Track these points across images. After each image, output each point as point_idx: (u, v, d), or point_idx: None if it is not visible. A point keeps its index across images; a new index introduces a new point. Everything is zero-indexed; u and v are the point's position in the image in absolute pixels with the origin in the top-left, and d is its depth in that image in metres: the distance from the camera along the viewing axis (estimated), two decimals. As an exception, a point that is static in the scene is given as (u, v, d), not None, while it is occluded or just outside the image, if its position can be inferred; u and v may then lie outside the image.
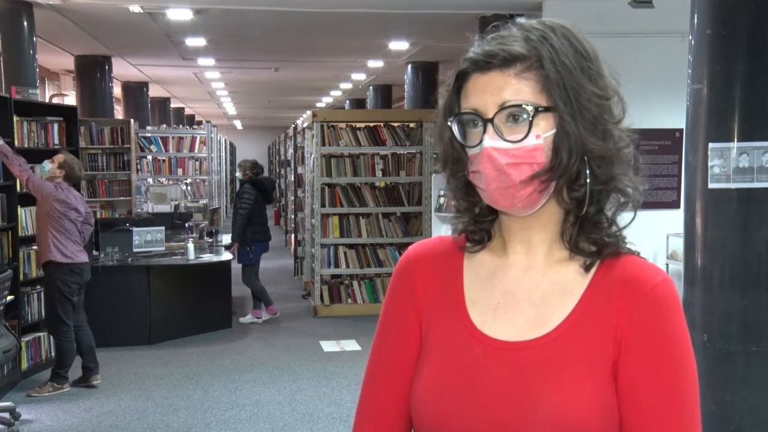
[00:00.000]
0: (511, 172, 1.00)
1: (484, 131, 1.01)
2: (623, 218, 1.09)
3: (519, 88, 1.00)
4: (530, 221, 1.07)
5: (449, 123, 1.06)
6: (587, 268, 1.07)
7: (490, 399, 1.03)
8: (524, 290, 1.08)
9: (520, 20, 1.07)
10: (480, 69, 1.02)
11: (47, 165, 5.70)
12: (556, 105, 1.00)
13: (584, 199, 1.04)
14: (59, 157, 5.77)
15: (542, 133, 1.01)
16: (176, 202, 11.86)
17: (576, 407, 1.00)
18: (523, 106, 1.00)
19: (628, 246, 1.08)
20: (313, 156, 8.72)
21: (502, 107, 1.00)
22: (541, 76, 1.01)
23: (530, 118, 1.00)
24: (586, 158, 1.02)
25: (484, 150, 1.01)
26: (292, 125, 14.01)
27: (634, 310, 1.03)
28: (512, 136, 1.01)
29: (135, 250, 7.46)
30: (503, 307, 1.09)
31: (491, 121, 1.01)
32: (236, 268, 8.42)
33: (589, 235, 1.06)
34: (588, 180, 1.03)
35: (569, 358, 1.03)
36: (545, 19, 1.07)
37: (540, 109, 1.00)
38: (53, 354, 6.44)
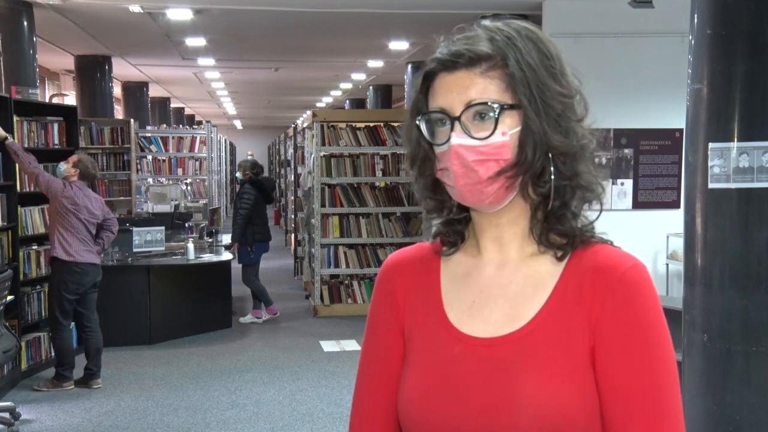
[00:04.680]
0: (478, 168, 1.03)
1: (452, 129, 1.04)
2: (593, 213, 1.11)
3: (485, 87, 1.03)
4: (499, 217, 1.09)
5: (417, 122, 1.08)
6: (559, 259, 1.09)
7: (472, 396, 1.05)
8: (498, 286, 1.10)
9: (485, 22, 1.10)
10: (447, 68, 1.05)
11: (62, 165, 5.82)
12: (521, 103, 1.03)
13: (549, 194, 1.06)
14: (74, 157, 5.91)
15: (508, 130, 1.03)
16: (176, 202, 11.85)
17: (556, 398, 1.01)
18: (489, 103, 1.02)
19: (599, 236, 1.10)
20: (313, 156, 8.72)
21: (468, 105, 1.03)
22: (506, 74, 1.03)
23: (496, 116, 1.03)
24: (550, 155, 1.05)
25: (452, 147, 1.03)
26: (292, 125, 14.01)
27: (606, 297, 1.04)
28: (479, 133, 1.03)
29: (135, 250, 7.46)
30: (478, 305, 1.10)
31: (458, 119, 1.03)
32: (236, 268, 8.42)
33: (555, 227, 1.08)
34: (552, 176, 1.05)
35: (546, 349, 1.04)
36: (510, 20, 1.09)
37: (505, 106, 1.03)
38: (53, 354, 6.45)
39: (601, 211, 1.10)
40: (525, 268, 1.10)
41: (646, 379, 1.02)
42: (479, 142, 1.03)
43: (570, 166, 1.06)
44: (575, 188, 1.07)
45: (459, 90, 1.04)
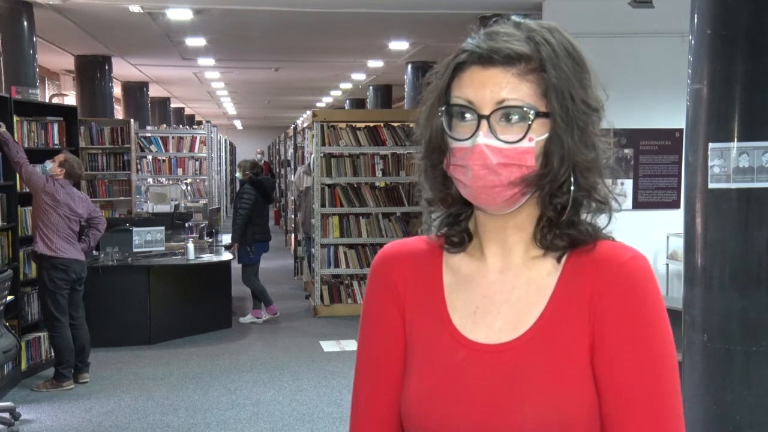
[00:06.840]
0: (501, 172, 1.00)
1: (477, 127, 1.00)
2: (600, 220, 1.09)
3: (518, 89, 0.99)
4: (506, 220, 1.07)
5: (439, 112, 1.04)
6: (559, 259, 1.07)
7: (477, 403, 1.03)
8: (501, 292, 1.08)
9: (516, 18, 1.06)
10: (481, 63, 1.01)
11: (48, 164, 5.83)
12: (554, 110, 1.00)
13: (566, 205, 1.04)
14: (60, 156, 5.91)
15: (535, 136, 1.00)
16: (176, 202, 11.85)
17: (560, 404, 1.00)
18: (525, 108, 0.99)
19: (603, 234, 1.08)
20: (313, 156, 8.72)
21: (500, 106, 0.99)
22: (542, 79, 1.00)
23: (530, 122, 0.99)
24: (571, 167, 1.02)
25: (477, 146, 1.00)
26: (292, 125, 14.01)
27: (604, 289, 1.03)
28: (505, 135, 1.00)
29: (135, 250, 7.46)
30: (482, 311, 1.08)
31: (487, 118, 1.00)
32: (236, 268, 8.42)
33: (565, 232, 1.06)
34: (573, 188, 1.03)
35: (548, 355, 1.03)
36: (541, 21, 1.06)
37: (540, 113, 1.00)
38: (53, 354, 6.45)
39: (609, 220, 1.08)
40: (527, 272, 1.08)
41: (646, 377, 1.01)
42: (506, 145, 0.99)
43: (590, 180, 1.04)
44: (591, 201, 1.06)
45: (492, 87, 0.99)
